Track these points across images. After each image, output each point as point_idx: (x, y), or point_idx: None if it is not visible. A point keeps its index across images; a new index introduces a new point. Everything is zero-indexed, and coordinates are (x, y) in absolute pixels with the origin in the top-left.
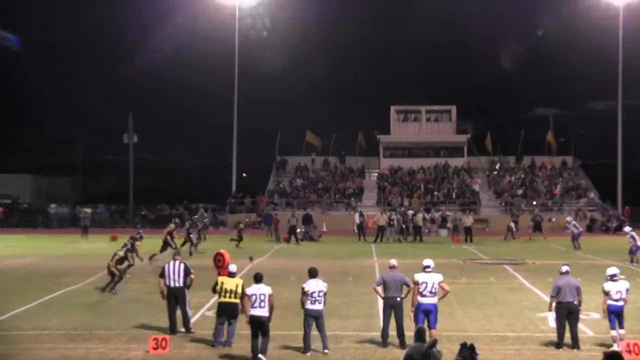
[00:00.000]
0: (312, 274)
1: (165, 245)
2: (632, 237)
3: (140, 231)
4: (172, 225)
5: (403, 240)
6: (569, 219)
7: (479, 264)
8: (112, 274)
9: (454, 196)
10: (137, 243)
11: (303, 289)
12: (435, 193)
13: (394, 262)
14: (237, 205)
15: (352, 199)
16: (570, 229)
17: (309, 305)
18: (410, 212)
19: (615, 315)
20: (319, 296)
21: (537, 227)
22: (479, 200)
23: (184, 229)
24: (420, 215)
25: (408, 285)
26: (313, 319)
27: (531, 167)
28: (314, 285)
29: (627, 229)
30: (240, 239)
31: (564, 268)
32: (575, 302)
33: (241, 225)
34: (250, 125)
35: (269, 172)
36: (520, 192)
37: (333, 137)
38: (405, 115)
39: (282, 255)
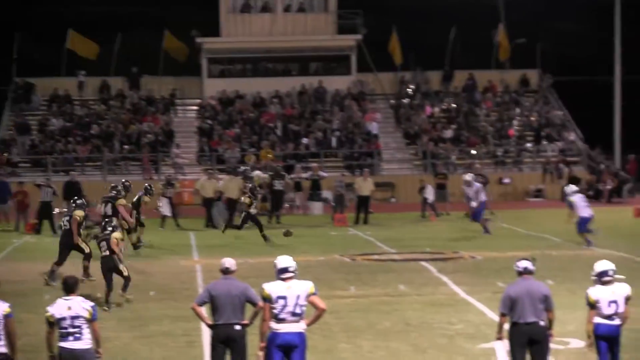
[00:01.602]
0: (68, 287)
1: None
2: (570, 205)
3: None
4: None
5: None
6: (467, 177)
7: (380, 261)
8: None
9: (334, 143)
10: None
11: (47, 312)
12: (304, 140)
13: (228, 263)
14: None
15: (156, 152)
16: (467, 193)
17: (60, 342)
18: (258, 173)
19: (607, 341)
20: (73, 326)
21: None
22: (378, 151)
23: None
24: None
25: (254, 304)
26: None
27: (469, 89)
28: (64, 309)
29: (569, 189)
30: None
31: (523, 265)
32: (542, 323)
33: None
34: None
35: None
36: (449, 133)
37: (117, 42)
38: (245, 3)
39: (27, 256)
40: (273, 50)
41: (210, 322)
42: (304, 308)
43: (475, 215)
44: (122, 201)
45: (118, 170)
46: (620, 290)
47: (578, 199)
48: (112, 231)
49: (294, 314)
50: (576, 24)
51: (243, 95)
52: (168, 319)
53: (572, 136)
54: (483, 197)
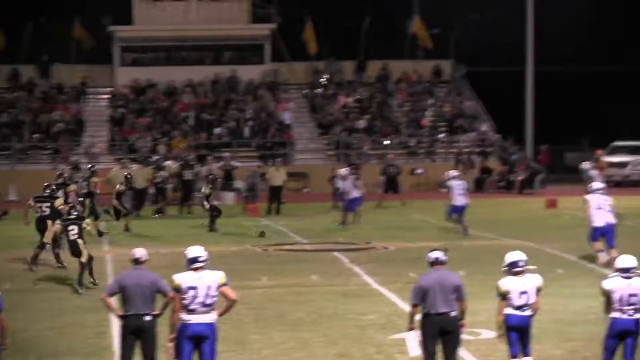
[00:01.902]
0: None
1: None
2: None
3: None
4: None
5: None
6: (342, 171)
7: (293, 251)
8: None
9: (247, 133)
10: None
11: None
12: (216, 129)
13: (139, 253)
14: None
15: (62, 141)
16: (341, 186)
17: None
18: (170, 163)
19: (517, 332)
20: None
21: (392, 185)
22: (291, 141)
23: None
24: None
25: (165, 294)
26: None
27: (382, 79)
28: None
29: (449, 174)
30: None
31: (434, 255)
32: (454, 313)
33: None
34: None
35: None
36: (362, 123)
37: (28, 29)
38: None
39: None
40: (186, 39)
41: (120, 313)
42: (215, 299)
43: (348, 205)
44: (72, 187)
45: (27, 160)
46: (531, 281)
47: (456, 185)
48: (80, 217)
49: (204, 304)
50: (490, 13)
51: (156, 84)
52: (81, 310)
53: (484, 127)
54: (355, 193)
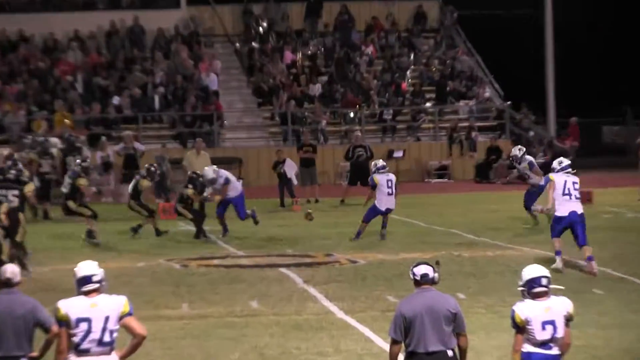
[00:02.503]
0: None
1: None
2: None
3: None
4: None
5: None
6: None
7: (224, 267)
8: None
9: (157, 104)
10: None
11: None
12: (115, 99)
13: (10, 271)
14: None
15: None
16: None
17: None
18: (55, 141)
19: None
20: None
21: (360, 173)
22: (218, 113)
23: None
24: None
25: (47, 329)
26: None
27: (343, 28)
28: None
29: (376, 164)
30: None
31: (421, 271)
32: (450, 353)
33: None
34: None
35: None
36: (317, 89)
37: None
38: None
39: None
40: None
41: None
42: (115, 334)
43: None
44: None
45: None
46: (558, 306)
47: (382, 181)
48: None
49: (101, 342)
50: None
51: (29, 37)
52: None
53: (487, 92)
54: (233, 193)
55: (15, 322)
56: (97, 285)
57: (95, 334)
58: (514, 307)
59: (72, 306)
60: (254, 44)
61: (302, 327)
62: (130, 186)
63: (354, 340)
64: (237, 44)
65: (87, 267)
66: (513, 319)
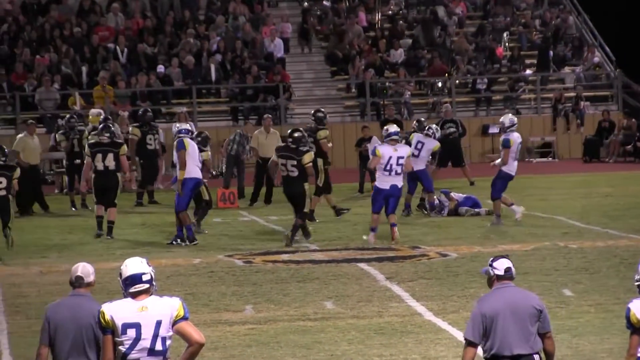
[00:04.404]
0: None
1: None
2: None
3: None
4: None
5: None
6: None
7: (294, 263)
8: None
9: (213, 74)
10: None
11: None
12: (160, 69)
13: (83, 269)
14: None
15: None
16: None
17: None
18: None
19: None
20: None
21: (451, 153)
22: (286, 85)
23: None
24: None
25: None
26: None
27: None
28: None
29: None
30: None
31: (503, 265)
32: (537, 357)
33: None
34: None
35: None
36: (398, 55)
37: None
38: None
39: None
40: None
41: None
42: (168, 342)
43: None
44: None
45: None
46: None
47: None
48: None
49: (152, 351)
50: None
51: None
52: None
53: (596, 57)
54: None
55: (78, 331)
56: (146, 285)
57: (145, 342)
58: (630, 305)
59: (117, 310)
60: (325, 2)
61: (385, 331)
62: None
63: (445, 345)
64: (306, 3)
65: (135, 265)
66: (628, 318)
